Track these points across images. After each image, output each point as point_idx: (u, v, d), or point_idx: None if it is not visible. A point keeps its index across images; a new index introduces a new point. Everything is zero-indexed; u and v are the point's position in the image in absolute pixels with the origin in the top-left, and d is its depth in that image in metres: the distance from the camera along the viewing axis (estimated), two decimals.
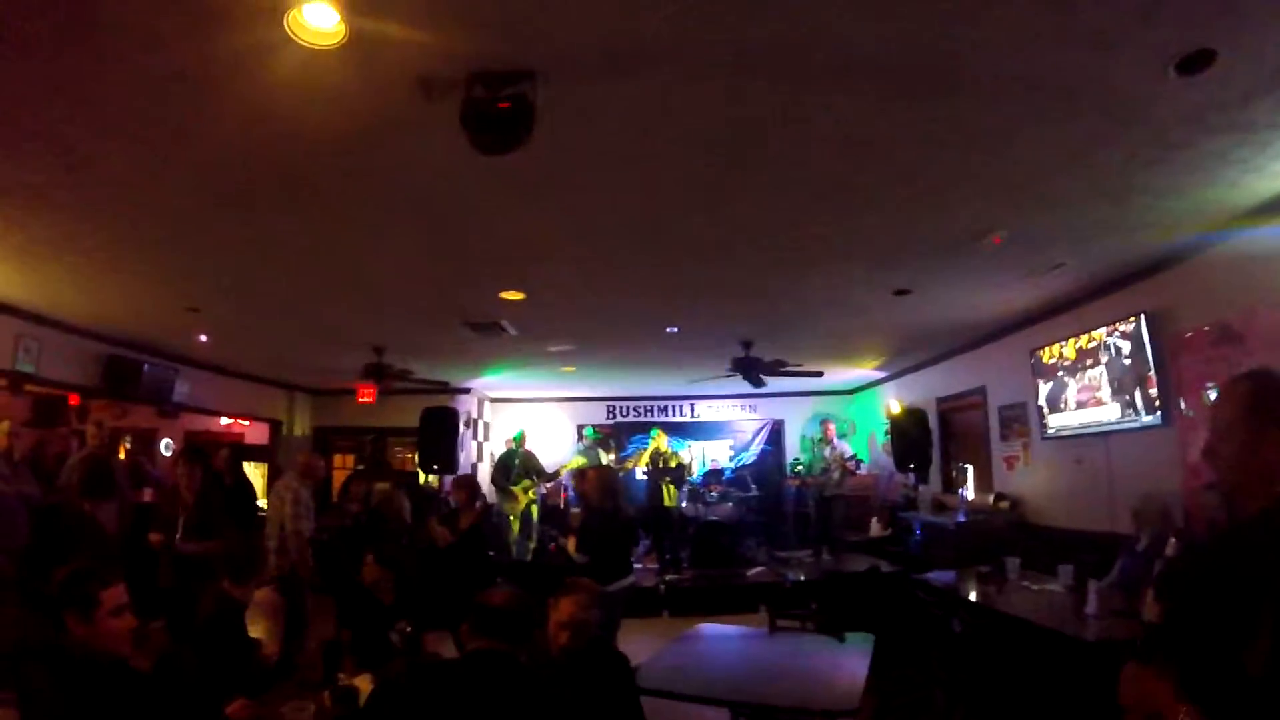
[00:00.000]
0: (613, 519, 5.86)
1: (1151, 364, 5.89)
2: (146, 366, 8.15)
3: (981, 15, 2.68)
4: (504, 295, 6.42)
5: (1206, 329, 5.32)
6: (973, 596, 5.57)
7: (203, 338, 7.92)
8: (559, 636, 3.22)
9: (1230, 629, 1.51)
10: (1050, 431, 7.41)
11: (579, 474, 9.45)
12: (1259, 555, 1.60)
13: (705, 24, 2.69)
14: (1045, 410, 7.45)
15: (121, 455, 7.52)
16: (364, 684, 3.26)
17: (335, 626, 4.37)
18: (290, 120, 3.31)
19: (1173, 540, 3.44)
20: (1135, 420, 6.12)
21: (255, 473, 12.74)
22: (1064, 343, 7.06)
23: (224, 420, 12.96)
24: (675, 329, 8.02)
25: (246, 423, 12.77)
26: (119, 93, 3.07)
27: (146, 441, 12.38)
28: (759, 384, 9.12)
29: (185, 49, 2.74)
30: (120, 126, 3.36)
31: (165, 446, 12.86)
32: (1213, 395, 5.21)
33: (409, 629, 4.01)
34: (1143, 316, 5.97)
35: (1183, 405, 5.57)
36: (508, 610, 2.55)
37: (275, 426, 11.84)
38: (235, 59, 2.79)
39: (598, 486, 6.04)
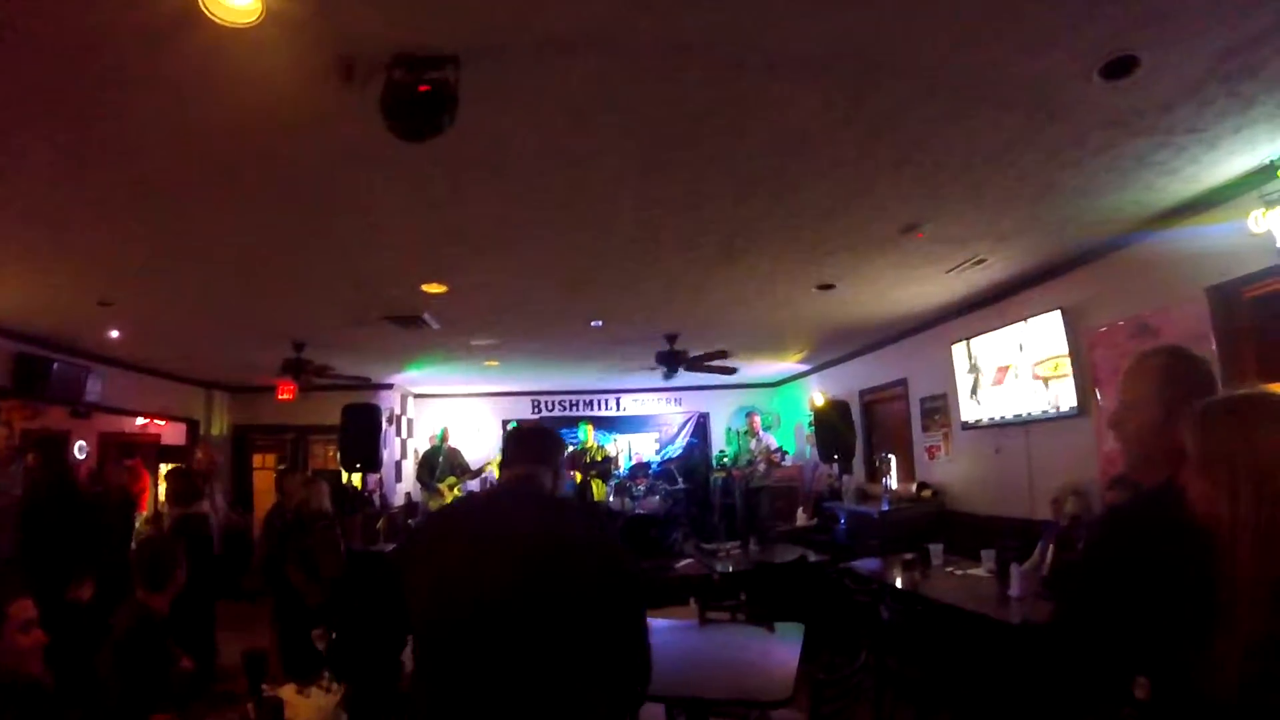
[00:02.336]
0: None
1: (1068, 357, 6.07)
2: (56, 365, 7.71)
3: (920, 13, 2.70)
4: (425, 288, 6.27)
5: (1122, 323, 5.50)
6: (899, 583, 5.67)
7: (114, 333, 7.55)
8: None
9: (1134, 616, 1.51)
10: (970, 422, 7.59)
11: None
12: (1149, 538, 1.59)
13: (639, 10, 2.64)
14: (965, 401, 7.62)
15: (30, 460, 7.10)
16: (289, 694, 3.15)
17: (272, 633, 4.18)
18: (207, 104, 3.15)
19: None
20: (1052, 411, 6.31)
21: None
22: (984, 335, 7.23)
23: (139, 420, 12.48)
24: (600, 322, 7.97)
25: (163, 423, 12.30)
26: (21, 70, 2.87)
27: (59, 445, 11.86)
28: (669, 375, 9.11)
29: (93, 21, 2.57)
30: (23, 107, 3.15)
31: (79, 449, 12.34)
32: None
33: (333, 635, 3.86)
34: (1060, 311, 6.15)
35: (1098, 396, 5.76)
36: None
37: (193, 426, 11.40)
38: (148, 35, 2.63)
39: None
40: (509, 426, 12.63)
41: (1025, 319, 6.59)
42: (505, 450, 2.58)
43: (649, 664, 2.31)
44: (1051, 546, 5.04)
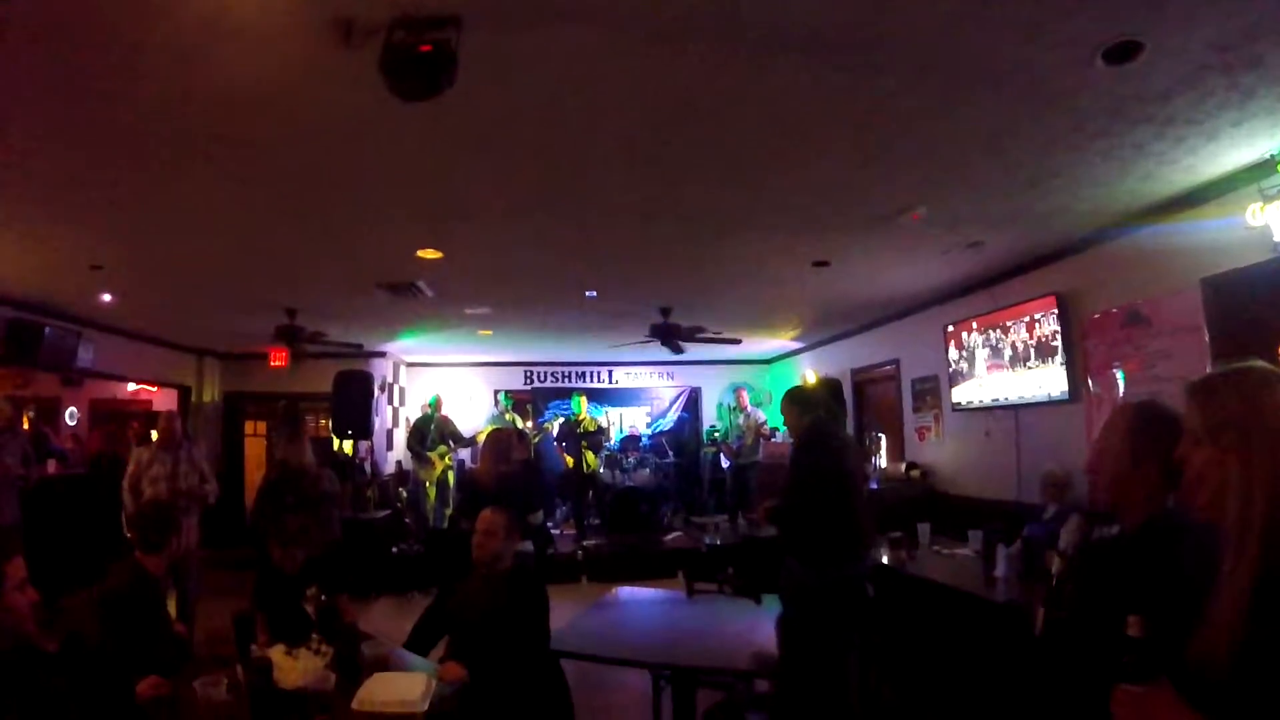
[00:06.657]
0: (497, 487, 5.78)
1: (1060, 343, 6.10)
2: (48, 330, 7.57)
3: None
4: (421, 254, 6.23)
5: (1115, 311, 5.53)
6: (885, 560, 5.71)
7: (107, 297, 7.48)
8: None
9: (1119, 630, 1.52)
10: (960, 404, 7.63)
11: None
12: (1154, 561, 1.73)
13: None
14: (956, 383, 7.66)
15: (25, 426, 7.03)
16: (277, 656, 3.17)
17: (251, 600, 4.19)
18: (205, 67, 3.11)
19: (1075, 516, 3.59)
20: (1043, 396, 6.34)
21: None
22: (977, 319, 7.25)
23: (131, 387, 12.45)
24: (594, 293, 7.95)
25: (154, 390, 12.28)
26: (16, 35, 2.84)
27: (50, 411, 11.87)
28: (677, 350, 9.14)
29: None
30: (18, 72, 3.11)
31: (70, 416, 12.35)
32: (1119, 376, 5.53)
33: (323, 597, 3.88)
34: (1054, 297, 6.17)
35: (1090, 383, 5.80)
36: None
37: (184, 393, 11.30)
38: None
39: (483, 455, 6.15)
40: (499, 397, 12.67)
41: (1018, 304, 6.61)
42: (815, 399, 4.93)
43: None
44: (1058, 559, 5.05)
